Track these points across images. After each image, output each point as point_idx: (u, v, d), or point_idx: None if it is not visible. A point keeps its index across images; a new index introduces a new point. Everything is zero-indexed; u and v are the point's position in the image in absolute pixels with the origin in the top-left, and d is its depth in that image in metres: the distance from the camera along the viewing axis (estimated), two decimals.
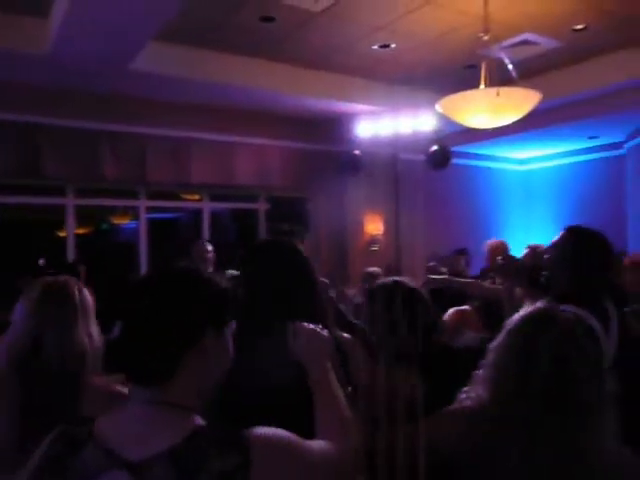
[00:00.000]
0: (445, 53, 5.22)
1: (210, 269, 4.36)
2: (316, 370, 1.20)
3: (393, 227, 6.53)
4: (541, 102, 4.19)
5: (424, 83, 5.98)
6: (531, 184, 8.89)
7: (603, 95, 5.78)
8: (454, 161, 6.80)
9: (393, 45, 5.03)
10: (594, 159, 8.02)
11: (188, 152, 5.85)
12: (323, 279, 2.04)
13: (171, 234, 7.80)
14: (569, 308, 1.80)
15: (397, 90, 6.20)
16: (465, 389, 1.33)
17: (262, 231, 6.65)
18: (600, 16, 4.52)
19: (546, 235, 7.41)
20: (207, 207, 6.35)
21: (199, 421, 0.94)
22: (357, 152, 6.18)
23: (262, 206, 6.70)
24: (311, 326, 1.28)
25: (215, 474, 0.85)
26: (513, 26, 4.65)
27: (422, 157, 6.33)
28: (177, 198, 6.53)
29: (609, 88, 5.58)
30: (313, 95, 5.76)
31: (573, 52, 5.31)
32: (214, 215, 6.53)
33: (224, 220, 7.25)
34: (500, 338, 1.27)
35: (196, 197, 6.49)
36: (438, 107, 3.98)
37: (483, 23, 4.11)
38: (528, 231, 8.43)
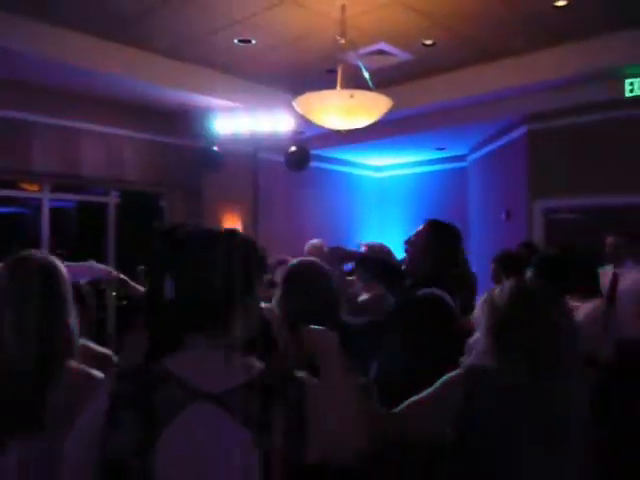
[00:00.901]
0: (306, 55, 5.27)
1: None
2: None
3: (251, 227, 6.46)
4: (393, 112, 4.37)
5: (286, 84, 5.99)
6: (386, 190, 9.33)
7: (449, 109, 6.21)
8: (313, 164, 6.90)
9: (254, 41, 4.97)
10: (442, 169, 8.62)
11: (27, 136, 5.31)
12: None
13: (9, 229, 7.03)
14: (430, 290, 1.93)
15: (258, 88, 6.15)
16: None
17: (112, 227, 6.22)
18: (446, 33, 4.83)
19: (399, 238, 7.84)
20: (47, 199, 5.80)
21: (259, 363, 1.10)
22: (215, 148, 6.02)
23: (113, 200, 6.28)
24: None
25: (283, 404, 1.03)
26: (369, 34, 4.81)
27: (281, 158, 6.33)
28: (14, 188, 5.89)
29: (455, 103, 6.00)
30: (170, 85, 5.50)
31: (424, 66, 5.62)
32: (58, 209, 5.98)
33: (68, 214, 6.68)
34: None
35: (36, 188, 5.91)
36: (295, 104, 3.98)
37: (340, 27, 4.20)
38: (382, 234, 8.82)
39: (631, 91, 5.07)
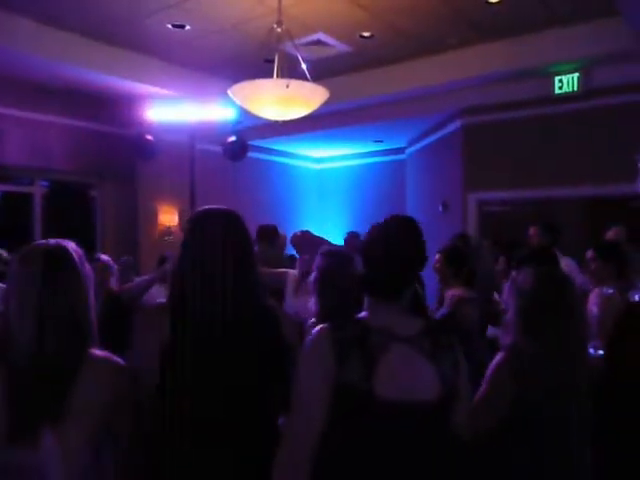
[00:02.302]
0: (243, 43, 5.16)
1: None
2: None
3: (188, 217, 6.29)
4: (331, 104, 4.35)
5: (223, 72, 5.86)
6: (325, 182, 9.34)
7: (387, 102, 6.25)
8: (252, 155, 6.80)
9: (188, 27, 4.82)
10: (380, 162, 8.70)
11: None
12: None
13: None
14: None
15: (196, 76, 5.99)
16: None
17: (38, 218, 5.92)
18: (384, 26, 4.84)
19: (338, 229, 7.88)
20: None
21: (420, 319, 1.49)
22: (149, 137, 5.82)
23: (39, 190, 5.97)
24: None
25: (449, 345, 1.45)
26: (307, 24, 4.76)
27: (219, 148, 6.20)
28: None
29: (392, 96, 6.04)
30: (100, 70, 5.28)
31: (362, 58, 5.63)
32: None
33: None
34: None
35: None
36: (230, 93, 3.88)
37: (277, 15, 4.13)
38: (322, 225, 8.84)
39: (560, 88, 5.26)
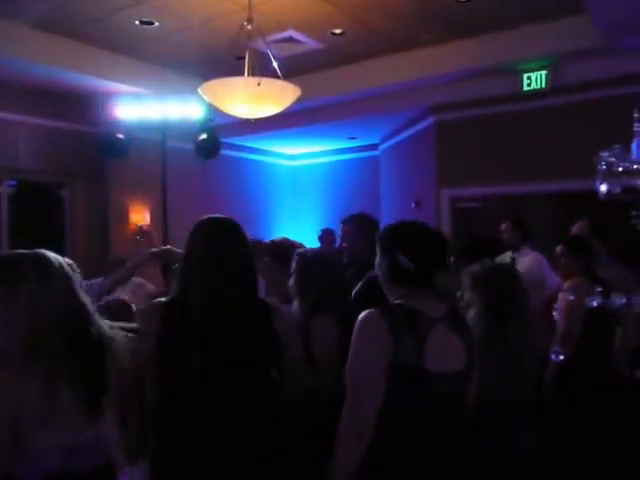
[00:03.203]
0: (213, 40, 5.11)
1: None
2: None
3: (160, 217, 6.22)
4: (304, 101, 4.34)
5: (194, 69, 5.80)
6: (299, 179, 9.32)
7: (359, 99, 6.26)
8: (225, 152, 6.74)
9: (157, 23, 4.75)
10: (354, 158, 8.71)
11: None
12: None
13: None
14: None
15: (165, 74, 5.92)
16: None
17: (5, 218, 5.79)
18: (355, 23, 4.84)
19: (312, 226, 7.87)
20: None
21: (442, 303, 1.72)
22: (119, 135, 5.73)
23: (5, 190, 5.83)
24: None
25: (466, 323, 1.76)
26: (278, 21, 4.73)
27: (191, 145, 6.13)
28: None
29: (364, 92, 6.05)
30: (68, 68, 5.18)
31: (333, 55, 5.62)
32: None
33: None
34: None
35: None
36: (200, 91, 3.84)
37: (248, 12, 4.10)
38: (296, 222, 8.82)
39: (529, 85, 5.33)
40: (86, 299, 1.63)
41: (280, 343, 1.86)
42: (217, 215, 2.03)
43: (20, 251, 1.59)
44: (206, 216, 2.00)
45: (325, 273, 2.39)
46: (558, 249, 3.27)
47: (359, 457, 1.54)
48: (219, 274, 1.83)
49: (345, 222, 3.01)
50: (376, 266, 1.79)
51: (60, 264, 1.59)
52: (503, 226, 4.49)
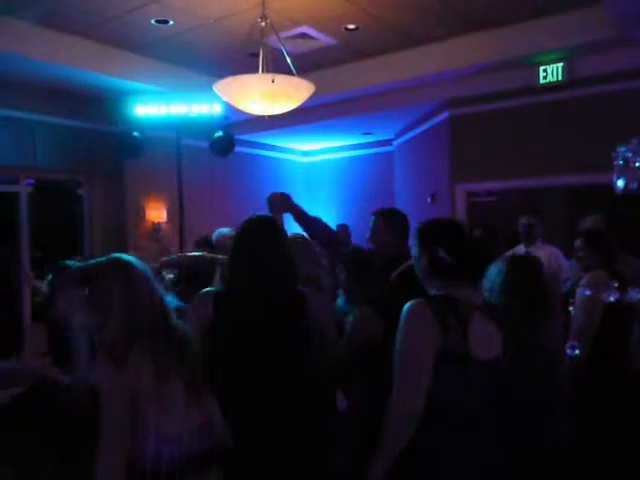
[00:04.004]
0: (227, 37, 5.13)
1: None
2: None
3: (177, 214, 6.27)
4: (319, 97, 4.34)
5: (208, 67, 5.83)
6: (313, 175, 9.33)
7: (374, 94, 6.24)
8: (239, 149, 6.77)
9: (171, 22, 4.78)
10: (369, 154, 8.69)
11: None
12: None
13: None
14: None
15: (180, 72, 5.95)
16: None
17: (24, 217, 5.88)
18: (369, 19, 4.83)
19: (327, 221, 7.86)
20: None
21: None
22: (136, 134, 5.78)
23: (24, 189, 5.92)
24: None
25: (497, 312, 1.83)
26: (292, 18, 4.73)
27: (206, 143, 6.17)
28: None
29: (379, 88, 6.04)
30: (85, 67, 5.22)
31: (347, 50, 5.61)
32: None
33: None
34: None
35: None
36: (215, 89, 3.87)
37: (262, 9, 4.11)
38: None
39: (545, 78, 5.28)
40: (161, 292, 1.80)
41: (317, 328, 2.05)
42: (260, 213, 2.24)
43: (103, 258, 1.78)
44: (251, 215, 2.20)
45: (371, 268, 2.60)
46: (577, 243, 3.26)
47: (407, 441, 1.64)
48: (262, 267, 2.03)
49: (376, 214, 3.08)
50: (414, 259, 1.91)
51: (137, 265, 1.77)
52: (522, 219, 4.47)
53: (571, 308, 2.64)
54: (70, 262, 3.22)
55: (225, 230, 4.29)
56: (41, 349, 2.75)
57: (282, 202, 2.94)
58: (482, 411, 1.70)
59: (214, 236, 4.30)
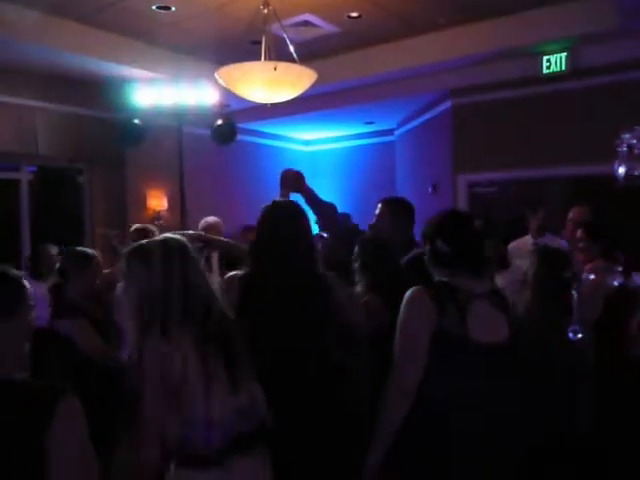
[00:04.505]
0: (229, 24, 5.09)
1: None
2: None
3: (178, 202, 6.27)
4: (320, 86, 4.32)
5: (210, 54, 5.80)
6: (315, 164, 9.30)
7: (376, 83, 6.21)
8: (241, 138, 6.76)
9: (173, 8, 4.75)
10: (370, 143, 8.67)
11: None
12: None
13: None
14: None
15: (181, 59, 5.92)
16: None
17: (25, 204, 5.87)
18: (372, 6, 4.79)
19: None
20: None
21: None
22: (137, 121, 5.76)
23: (25, 176, 5.91)
24: None
25: (507, 301, 1.89)
26: (294, 5, 4.69)
27: (207, 131, 6.15)
28: None
29: (381, 76, 6.01)
30: (86, 54, 5.20)
31: (350, 38, 5.58)
32: None
33: None
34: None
35: None
36: (217, 76, 3.85)
37: None
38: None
39: (548, 67, 5.25)
40: (205, 277, 1.81)
41: (341, 310, 2.10)
42: (281, 199, 2.34)
43: (150, 240, 1.81)
44: (272, 200, 2.26)
45: (387, 256, 2.60)
46: (578, 233, 3.27)
47: (401, 419, 1.74)
48: (284, 252, 2.07)
49: (384, 202, 3.08)
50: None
51: (182, 248, 1.77)
52: (540, 211, 4.48)
53: (574, 292, 2.66)
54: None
55: (211, 218, 4.30)
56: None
57: (295, 181, 2.83)
58: (485, 393, 1.75)
59: (200, 224, 4.29)
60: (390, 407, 1.77)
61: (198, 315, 1.70)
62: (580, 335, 2.25)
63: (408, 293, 1.81)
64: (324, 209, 2.95)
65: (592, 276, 2.44)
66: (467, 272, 1.85)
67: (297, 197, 2.76)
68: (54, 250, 4.34)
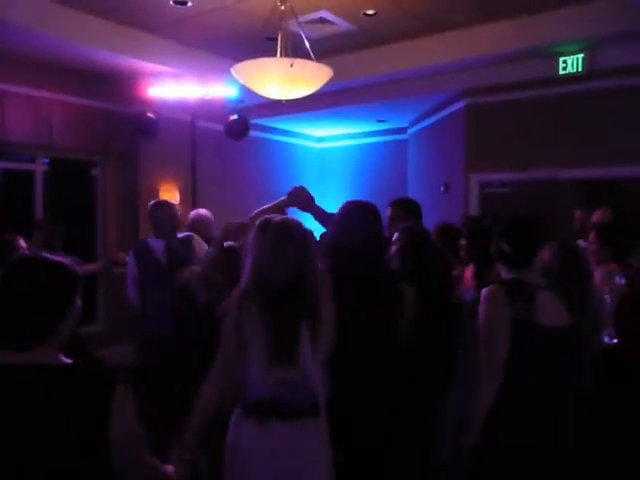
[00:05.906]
0: (245, 20, 5.10)
1: None
2: None
3: (190, 196, 6.30)
4: (334, 83, 4.31)
5: (225, 50, 5.82)
6: (326, 161, 9.31)
7: (390, 81, 6.20)
8: (253, 133, 6.78)
9: (190, 3, 4.76)
10: (382, 141, 8.66)
11: None
12: None
13: None
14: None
15: (197, 54, 5.94)
16: None
17: (39, 196, 5.92)
18: (388, 4, 4.78)
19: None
20: None
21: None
22: (151, 115, 5.79)
23: (40, 168, 5.96)
24: None
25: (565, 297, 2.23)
26: (310, 2, 4.69)
27: (221, 126, 6.18)
28: None
29: (395, 75, 6.00)
30: (102, 47, 5.22)
31: (365, 36, 5.57)
32: None
33: None
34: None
35: None
36: (233, 72, 3.86)
37: None
38: (322, 204, 8.81)
39: (564, 69, 5.22)
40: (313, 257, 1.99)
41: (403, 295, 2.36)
42: (358, 199, 2.51)
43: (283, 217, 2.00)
44: (352, 200, 2.50)
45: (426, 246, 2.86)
46: (590, 237, 3.26)
47: (496, 391, 2.06)
48: (361, 246, 2.32)
49: (395, 204, 3.19)
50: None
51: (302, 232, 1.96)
52: (578, 213, 4.51)
53: (606, 297, 2.75)
54: None
55: (203, 211, 4.32)
56: None
57: (304, 200, 2.93)
58: (548, 367, 2.09)
59: (190, 215, 4.31)
60: (487, 382, 2.09)
61: (284, 287, 1.88)
62: (615, 340, 2.43)
63: (485, 290, 2.15)
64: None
65: (623, 281, 2.56)
66: (529, 269, 2.21)
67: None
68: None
